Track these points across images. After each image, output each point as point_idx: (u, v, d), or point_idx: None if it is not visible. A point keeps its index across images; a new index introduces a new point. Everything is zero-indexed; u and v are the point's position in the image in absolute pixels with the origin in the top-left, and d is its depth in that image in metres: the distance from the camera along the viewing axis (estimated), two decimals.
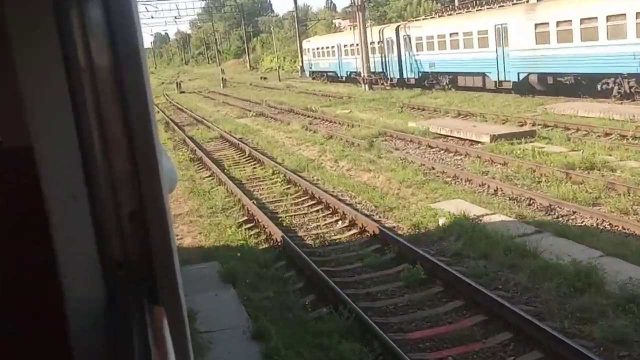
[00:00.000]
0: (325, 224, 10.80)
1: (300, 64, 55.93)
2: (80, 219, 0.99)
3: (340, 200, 11.86)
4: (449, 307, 7.15)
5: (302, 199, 12.47)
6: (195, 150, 19.30)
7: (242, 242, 9.94)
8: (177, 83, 54.40)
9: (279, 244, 9.58)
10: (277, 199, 12.64)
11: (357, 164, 15.04)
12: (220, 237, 10.34)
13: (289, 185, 13.61)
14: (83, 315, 0.98)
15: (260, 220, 10.89)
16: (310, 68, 50.29)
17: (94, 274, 1.00)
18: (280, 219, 11.15)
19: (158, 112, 33.18)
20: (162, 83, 66.81)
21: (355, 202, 11.90)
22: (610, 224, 9.31)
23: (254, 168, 16.14)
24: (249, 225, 10.84)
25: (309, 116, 25.87)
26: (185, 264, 8.72)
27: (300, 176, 14.21)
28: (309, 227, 10.75)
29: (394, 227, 10.20)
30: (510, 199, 11.06)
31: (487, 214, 10.12)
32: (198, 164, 17.50)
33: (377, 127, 20.00)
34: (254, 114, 28.31)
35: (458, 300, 7.24)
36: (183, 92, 50.58)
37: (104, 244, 1.01)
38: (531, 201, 10.78)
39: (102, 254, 1.01)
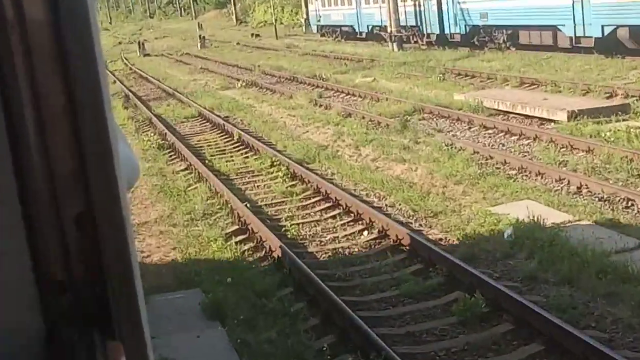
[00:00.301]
0: (346, 235, 10.72)
1: (305, 16, 55.72)
2: (8, 224, 1.01)
3: (365, 202, 11.78)
4: (523, 354, 6.96)
5: (313, 200, 12.41)
6: (166, 133, 19.25)
7: (232, 261, 9.86)
8: (139, 43, 54.43)
9: (283, 263, 9.47)
10: (278, 201, 12.59)
11: (387, 151, 14.97)
12: (202, 254, 10.25)
13: (293, 182, 13.54)
14: (13, 355, 1.00)
15: (256, 231, 10.81)
16: (319, 21, 50.12)
17: (28, 299, 1.02)
18: (284, 228, 11.07)
19: (114, 82, 33.26)
20: (120, 43, 66.93)
21: (386, 205, 11.84)
22: None
23: (246, 158, 16.09)
24: (240, 238, 10.78)
25: (318, 86, 25.81)
26: (154, 292, 8.62)
27: (309, 169, 14.15)
28: (323, 240, 10.68)
29: (441, 239, 10.11)
30: (600, 200, 10.89)
31: (569, 222, 9.96)
32: (170, 152, 17.44)
33: (412, 101, 19.98)
34: (244, 83, 28.32)
35: (535, 344, 7.05)
36: (148, 54, 50.68)
37: (40, 258, 1.03)
38: (630, 203, 10.57)
39: (39, 273, 1.03)
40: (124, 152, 1.61)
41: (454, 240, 9.98)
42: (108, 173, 1.04)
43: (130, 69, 41.36)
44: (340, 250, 10.14)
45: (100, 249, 1.04)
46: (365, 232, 10.63)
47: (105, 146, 1.03)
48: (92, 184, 1.03)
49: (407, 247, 9.69)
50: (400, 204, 11.71)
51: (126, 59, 47.46)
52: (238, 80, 29.59)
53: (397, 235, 10.02)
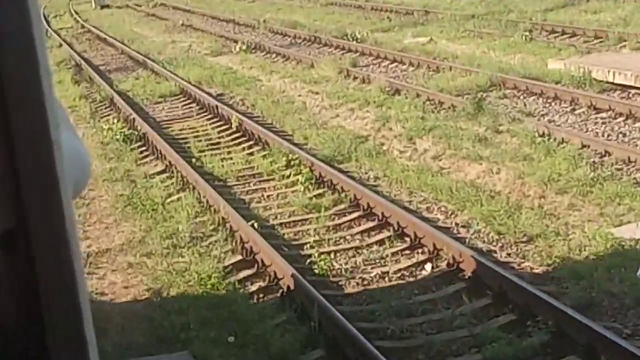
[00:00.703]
0: (400, 269, 10.60)
1: None
2: None
3: (425, 220, 11.71)
4: None
5: (350, 217, 12.32)
6: (134, 119, 19.16)
7: (234, 308, 9.69)
8: None
9: (310, 312, 9.29)
10: (299, 219, 12.52)
11: (454, 145, 14.90)
12: (191, 299, 10.09)
13: (320, 190, 13.48)
14: None
15: (268, 264, 10.68)
16: None
17: None
18: (309, 260, 10.93)
19: (59, 45, 33.37)
20: None
21: (457, 225, 11.76)
22: None
23: (250, 155, 16.02)
24: (245, 273, 10.70)
25: (350, 50, 25.89)
26: (122, 355, 8.54)
27: (342, 171, 14.11)
28: (366, 276, 10.53)
29: (541, 276, 9.96)
30: None
31: None
32: (140, 147, 17.35)
33: (487, 71, 19.97)
34: (244, 47, 28.37)
35: None
36: (106, 6, 50.99)
37: None
38: None
39: None
40: (70, 145, 1.70)
41: (560, 278, 9.80)
42: (47, 174, 1.08)
43: (83, 26, 41.46)
44: (392, 292, 9.95)
45: (37, 280, 1.07)
46: (429, 265, 10.55)
47: (43, 136, 1.06)
48: (25, 189, 1.06)
49: (492, 288, 9.52)
50: (477, 223, 11.58)
51: (77, 13, 47.64)
52: (235, 42, 29.56)
53: (475, 270, 9.87)
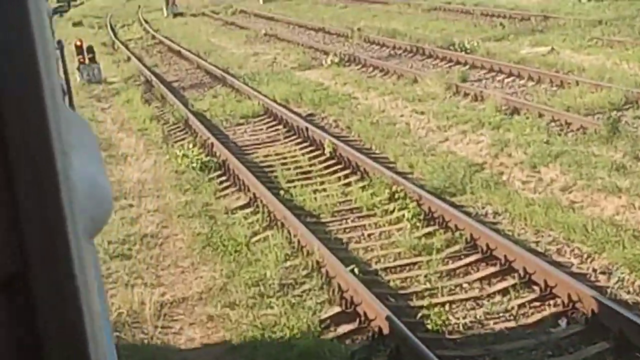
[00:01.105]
0: (529, 324, 10.37)
1: None
2: None
3: (556, 265, 11.51)
4: None
5: (465, 261, 12.20)
6: (212, 144, 19.24)
7: None
8: None
9: None
10: (406, 263, 12.41)
11: (586, 174, 14.71)
12: (282, 357, 9.96)
13: (430, 228, 13.39)
14: None
15: (372, 317, 10.50)
16: None
17: None
18: (419, 313, 10.79)
19: (127, 59, 33.73)
20: None
21: (595, 271, 11.55)
22: None
23: (347, 186, 15.98)
24: (345, 329, 10.58)
25: (458, 62, 25.94)
26: None
27: (454, 205, 14.03)
28: (488, 332, 10.33)
29: None
30: None
31: None
32: (220, 177, 17.37)
33: (621, 86, 19.85)
34: (336, 59, 28.51)
35: None
36: (180, 14, 51.80)
37: None
38: None
39: None
40: (86, 172, 1.69)
41: None
42: (54, 209, 1.08)
43: (154, 37, 42.20)
44: (520, 352, 9.77)
45: (43, 335, 1.08)
46: (564, 321, 10.33)
47: (48, 161, 1.08)
48: (28, 228, 1.07)
49: None
50: (621, 270, 11.29)
51: (146, 22, 48.31)
52: (326, 53, 29.72)
53: (620, 328, 9.57)
